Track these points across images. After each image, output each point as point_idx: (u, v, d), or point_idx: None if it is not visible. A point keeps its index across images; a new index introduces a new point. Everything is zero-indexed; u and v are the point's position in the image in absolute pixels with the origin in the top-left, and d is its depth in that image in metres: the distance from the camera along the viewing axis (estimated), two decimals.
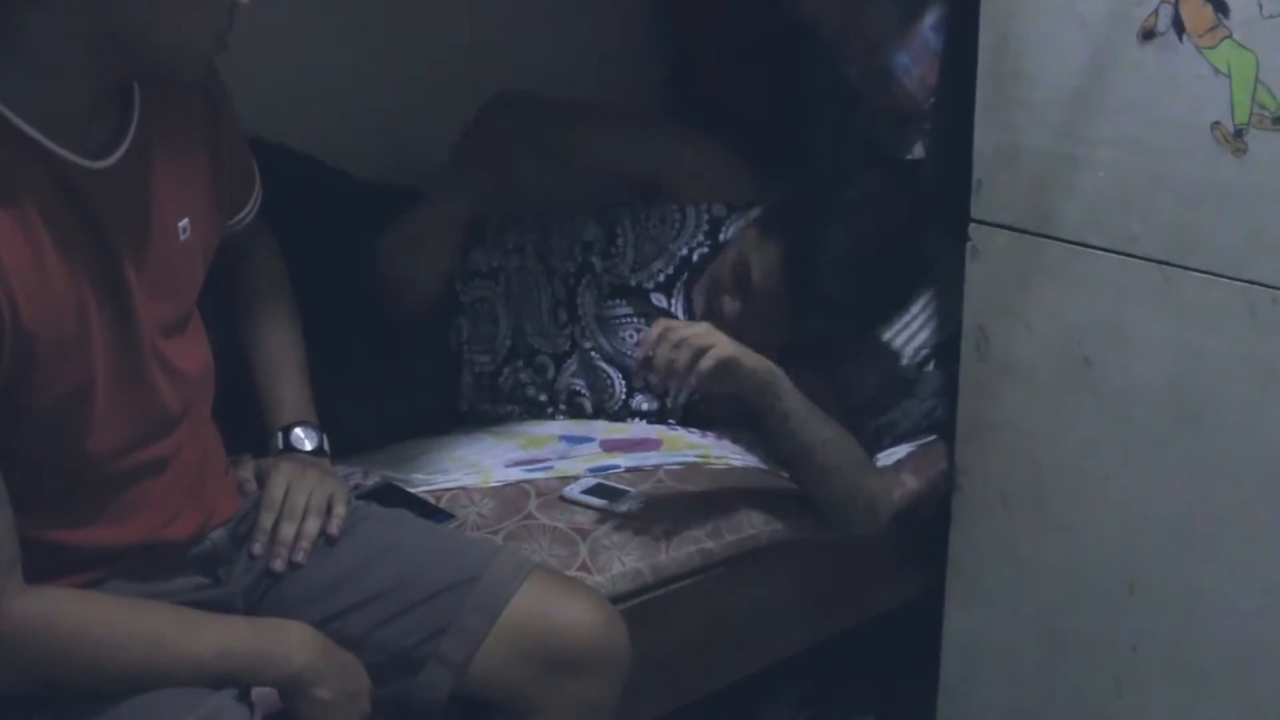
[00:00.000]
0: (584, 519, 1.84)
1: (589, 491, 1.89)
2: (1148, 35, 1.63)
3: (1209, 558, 1.74)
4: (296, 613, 1.47)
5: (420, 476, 1.92)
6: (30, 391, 1.25)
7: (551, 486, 1.91)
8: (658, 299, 2.12)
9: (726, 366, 1.71)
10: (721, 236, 2.14)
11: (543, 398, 2.13)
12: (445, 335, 2.11)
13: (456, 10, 2.41)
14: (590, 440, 2.07)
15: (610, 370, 2.12)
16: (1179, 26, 1.60)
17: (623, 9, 2.64)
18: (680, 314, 2.11)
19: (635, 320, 2.12)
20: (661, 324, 1.73)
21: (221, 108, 1.49)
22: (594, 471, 1.95)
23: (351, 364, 1.95)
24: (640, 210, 2.17)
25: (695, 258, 2.13)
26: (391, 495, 1.82)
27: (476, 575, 1.53)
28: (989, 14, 1.78)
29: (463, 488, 1.89)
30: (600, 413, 2.14)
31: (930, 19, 2.20)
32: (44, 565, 1.30)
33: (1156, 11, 1.61)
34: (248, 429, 1.65)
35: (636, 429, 2.12)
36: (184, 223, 1.42)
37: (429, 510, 1.82)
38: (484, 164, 2.09)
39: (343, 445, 1.76)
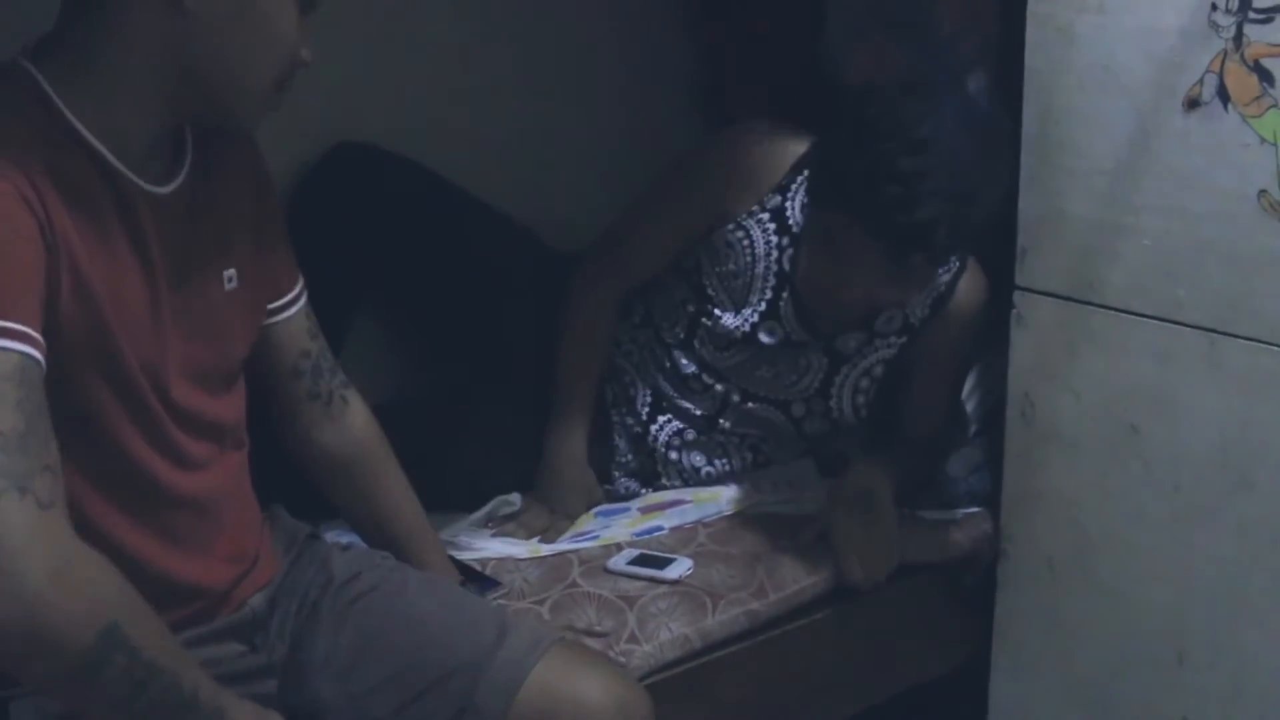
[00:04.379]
0: (629, 586, 1.85)
1: (634, 562, 1.89)
2: (1192, 104, 1.64)
3: (1260, 626, 1.72)
4: (320, 681, 1.52)
5: (466, 540, 1.93)
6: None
7: (594, 555, 1.92)
8: (766, 336, 2.04)
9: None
10: (790, 222, 2.01)
11: (717, 447, 2.15)
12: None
13: (488, 24, 2.35)
14: (627, 510, 2.08)
15: (767, 411, 2.12)
16: (1224, 96, 1.61)
17: (655, 35, 2.59)
18: (804, 334, 2.05)
19: (764, 365, 2.09)
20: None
21: (266, 193, 1.55)
22: (638, 535, 1.97)
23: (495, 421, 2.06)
24: (705, 250, 2.05)
25: (785, 264, 2.02)
26: None
27: (492, 652, 1.52)
28: (1033, 85, 1.79)
29: (511, 556, 1.90)
30: (778, 454, 2.18)
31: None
32: None
33: (1201, 81, 1.62)
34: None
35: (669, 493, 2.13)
36: (230, 272, 1.46)
37: (476, 576, 1.82)
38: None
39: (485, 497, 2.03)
